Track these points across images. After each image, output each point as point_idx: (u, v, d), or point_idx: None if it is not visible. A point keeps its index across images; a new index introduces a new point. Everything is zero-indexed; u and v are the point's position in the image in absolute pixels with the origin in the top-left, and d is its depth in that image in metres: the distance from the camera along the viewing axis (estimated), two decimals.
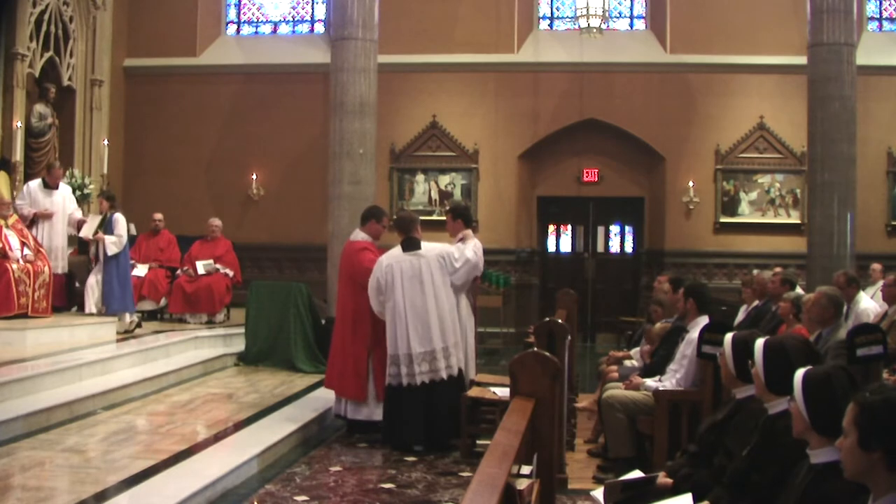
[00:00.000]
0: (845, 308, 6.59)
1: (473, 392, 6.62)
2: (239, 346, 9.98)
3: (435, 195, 13.91)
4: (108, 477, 5.15)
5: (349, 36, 10.68)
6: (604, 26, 12.93)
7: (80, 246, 10.64)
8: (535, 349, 4.16)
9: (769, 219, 13.54)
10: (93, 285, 9.65)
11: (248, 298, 9.99)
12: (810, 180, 11.52)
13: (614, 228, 14.67)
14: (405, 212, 7.21)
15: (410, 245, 6.74)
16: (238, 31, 14.95)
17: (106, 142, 12.28)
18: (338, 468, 6.08)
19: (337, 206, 10.66)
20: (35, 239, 9.71)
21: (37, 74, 11.42)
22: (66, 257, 10.16)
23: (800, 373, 2.71)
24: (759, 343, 3.36)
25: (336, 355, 7.15)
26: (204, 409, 7.36)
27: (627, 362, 7.29)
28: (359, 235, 7.31)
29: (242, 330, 10.02)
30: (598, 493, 3.96)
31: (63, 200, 10.26)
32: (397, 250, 6.77)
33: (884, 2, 14.04)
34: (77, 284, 10.07)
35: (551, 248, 14.78)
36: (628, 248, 14.64)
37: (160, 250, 11.29)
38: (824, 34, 10.96)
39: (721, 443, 3.65)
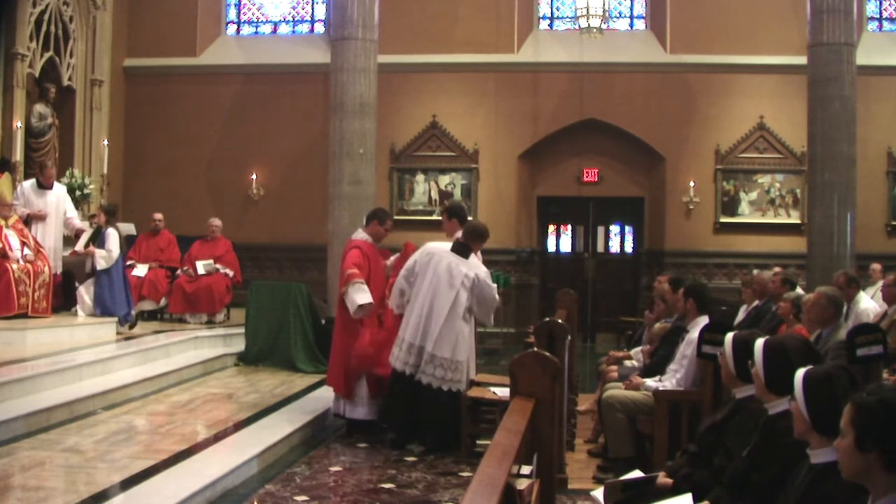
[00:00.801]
0: (845, 308, 6.59)
1: (473, 392, 6.62)
2: (239, 346, 9.98)
3: (435, 195, 13.91)
4: (108, 477, 5.15)
5: (349, 36, 10.68)
6: (604, 26, 12.93)
7: None
8: (535, 349, 4.16)
9: (769, 219, 13.54)
10: (82, 293, 9.62)
11: (248, 298, 9.99)
12: (810, 180, 11.52)
13: (614, 228, 14.67)
14: (480, 224, 7.16)
15: (461, 250, 6.67)
16: (238, 31, 14.95)
17: (106, 142, 12.28)
18: (338, 468, 6.08)
19: (337, 206, 10.66)
20: (35, 239, 9.71)
21: (37, 74, 11.42)
22: (61, 257, 10.13)
23: (800, 372, 2.71)
24: (760, 343, 3.36)
25: (336, 355, 7.15)
26: (204, 409, 7.35)
27: (627, 362, 7.30)
28: (360, 234, 7.31)
29: (242, 330, 10.02)
30: (598, 493, 3.96)
31: (57, 200, 10.21)
32: (446, 246, 6.73)
33: (884, 2, 14.04)
34: (77, 284, 10.06)
35: (551, 248, 14.78)
36: (628, 248, 14.64)
37: (160, 250, 11.28)
38: (824, 34, 10.96)
39: (721, 443, 3.65)
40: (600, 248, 14.62)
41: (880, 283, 8.91)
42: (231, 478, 5.47)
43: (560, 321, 6.06)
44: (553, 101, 13.87)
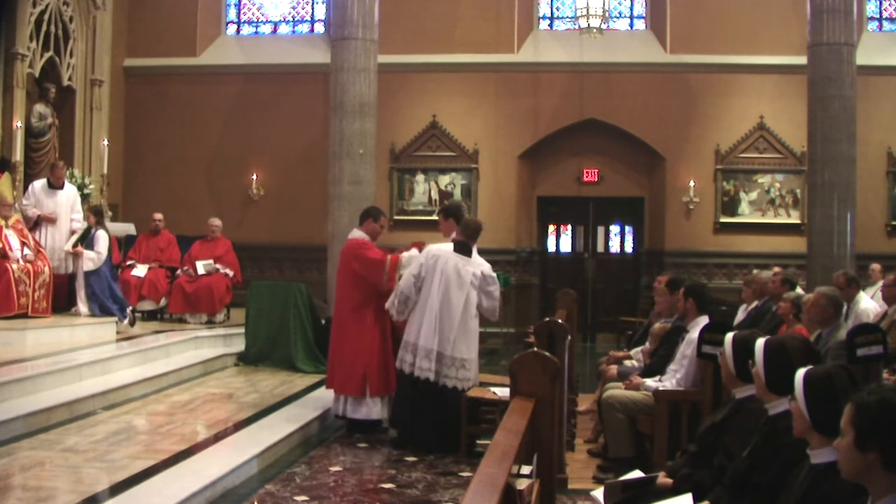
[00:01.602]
0: (845, 308, 6.59)
1: (473, 392, 6.62)
2: (239, 346, 9.97)
3: (435, 195, 13.91)
4: (108, 477, 5.16)
5: (349, 36, 10.69)
6: (604, 26, 12.93)
7: None
8: (535, 349, 4.16)
9: (769, 219, 13.54)
10: (77, 290, 9.66)
11: (248, 298, 9.98)
12: (810, 180, 11.52)
13: (614, 228, 14.67)
14: (475, 220, 7.17)
15: (463, 249, 6.68)
16: (238, 31, 14.95)
17: (106, 142, 12.27)
18: (338, 468, 6.08)
19: (337, 206, 10.67)
20: (35, 239, 9.71)
21: (37, 74, 11.41)
22: (70, 258, 10.13)
23: (801, 372, 2.71)
24: (760, 343, 3.36)
25: (335, 354, 7.15)
26: (204, 409, 7.35)
27: (627, 362, 7.29)
28: (356, 234, 7.31)
29: (242, 330, 10.02)
30: (598, 493, 3.96)
31: (67, 200, 10.28)
32: (448, 247, 6.72)
33: (884, 2, 14.04)
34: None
35: (551, 248, 14.78)
36: (628, 248, 14.64)
37: (160, 250, 11.28)
38: (824, 34, 10.96)
39: (721, 443, 3.65)
40: (600, 248, 14.62)
41: (880, 283, 8.91)
42: (231, 478, 5.47)
43: (560, 321, 6.06)
44: (553, 101, 13.87)
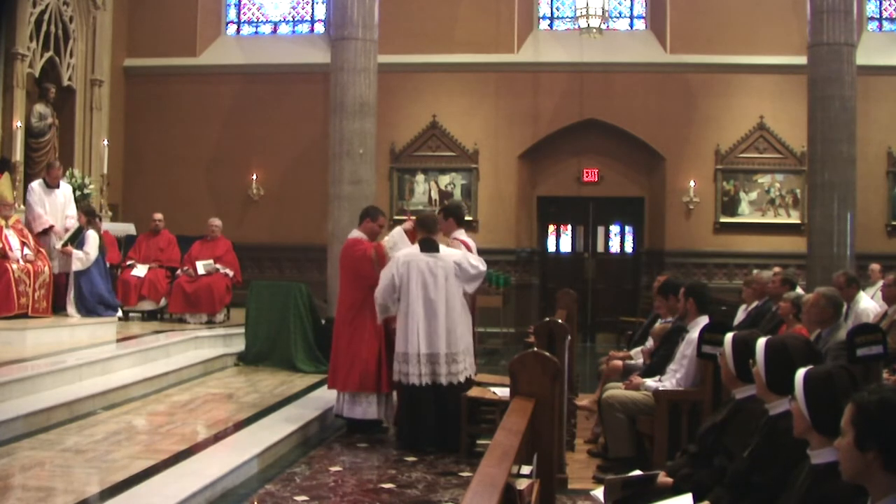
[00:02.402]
0: (845, 308, 6.59)
1: (473, 392, 6.62)
2: (239, 346, 9.97)
3: (435, 195, 13.91)
4: (108, 477, 5.15)
5: (349, 36, 10.68)
6: (604, 26, 12.93)
7: None
8: (535, 349, 4.16)
9: (769, 219, 13.54)
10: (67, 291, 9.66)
11: (248, 298, 9.98)
12: (810, 180, 11.52)
13: (614, 228, 14.67)
14: (429, 212, 7.22)
15: (429, 246, 6.68)
16: (238, 31, 14.95)
17: (106, 142, 12.27)
18: (338, 468, 6.08)
19: (337, 206, 10.66)
20: (35, 239, 9.71)
21: (37, 74, 11.41)
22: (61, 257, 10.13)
23: (801, 372, 2.71)
24: (761, 342, 3.36)
25: (336, 355, 7.15)
26: (204, 409, 7.35)
27: (629, 362, 7.30)
28: (355, 235, 7.33)
29: (242, 330, 10.01)
30: (599, 492, 3.96)
31: (63, 200, 10.27)
32: (415, 249, 6.72)
33: (884, 2, 14.04)
34: None
35: (551, 248, 14.78)
36: (628, 248, 14.64)
37: (160, 250, 11.28)
38: (824, 34, 10.96)
39: (721, 443, 3.65)
40: (600, 248, 14.62)
41: (880, 283, 8.91)
42: (231, 478, 5.47)
43: (560, 321, 6.06)
44: (553, 101, 13.87)
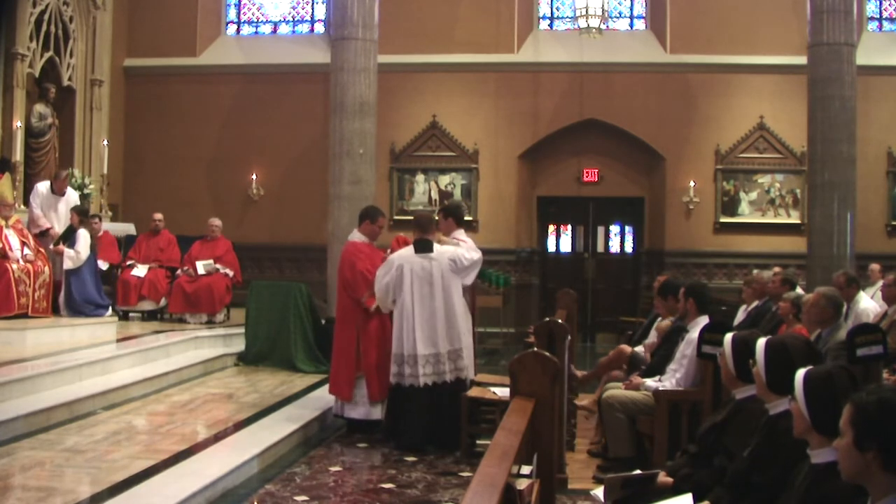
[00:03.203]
0: (845, 308, 6.58)
1: (473, 392, 6.62)
2: (239, 346, 9.97)
3: (435, 195, 13.91)
4: (108, 477, 5.15)
5: (349, 36, 10.68)
6: (603, 26, 12.93)
7: None
8: (535, 349, 4.16)
9: (769, 219, 13.54)
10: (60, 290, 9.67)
11: (248, 298, 9.98)
12: (810, 180, 11.52)
13: (614, 228, 14.67)
14: (425, 212, 7.21)
15: (423, 247, 6.69)
16: (238, 31, 14.95)
17: (106, 142, 12.28)
18: (338, 468, 6.08)
19: (337, 206, 10.66)
20: (35, 239, 9.71)
21: (37, 74, 11.41)
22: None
23: (801, 372, 2.71)
24: (761, 342, 3.36)
25: (337, 360, 7.13)
26: (204, 409, 7.35)
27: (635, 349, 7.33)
28: (356, 236, 7.30)
29: (242, 330, 10.02)
30: (599, 492, 3.96)
31: (67, 206, 10.31)
32: (409, 251, 6.73)
33: (884, 2, 14.04)
34: None
35: (551, 248, 14.77)
36: (628, 248, 14.64)
37: (160, 250, 11.28)
38: (824, 34, 10.95)
39: (721, 443, 3.65)
40: (600, 248, 14.62)
41: (880, 283, 8.91)
42: (231, 478, 5.47)
43: (560, 321, 6.06)
44: (553, 101, 13.87)
